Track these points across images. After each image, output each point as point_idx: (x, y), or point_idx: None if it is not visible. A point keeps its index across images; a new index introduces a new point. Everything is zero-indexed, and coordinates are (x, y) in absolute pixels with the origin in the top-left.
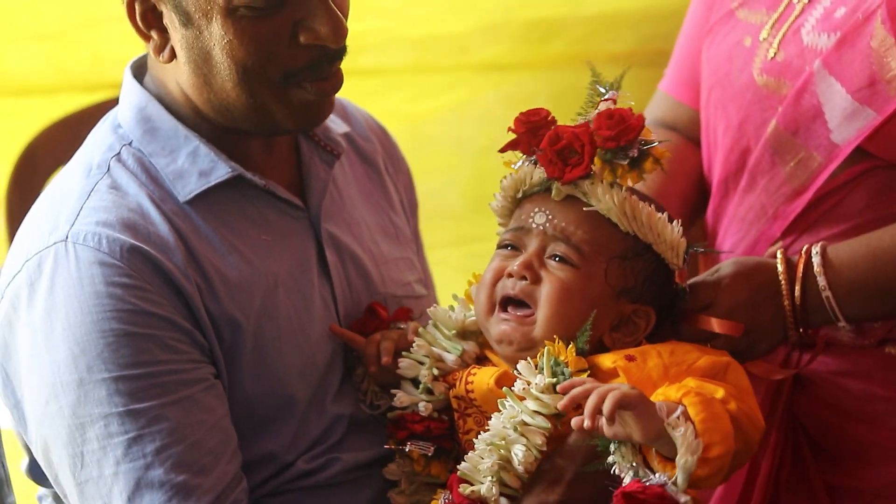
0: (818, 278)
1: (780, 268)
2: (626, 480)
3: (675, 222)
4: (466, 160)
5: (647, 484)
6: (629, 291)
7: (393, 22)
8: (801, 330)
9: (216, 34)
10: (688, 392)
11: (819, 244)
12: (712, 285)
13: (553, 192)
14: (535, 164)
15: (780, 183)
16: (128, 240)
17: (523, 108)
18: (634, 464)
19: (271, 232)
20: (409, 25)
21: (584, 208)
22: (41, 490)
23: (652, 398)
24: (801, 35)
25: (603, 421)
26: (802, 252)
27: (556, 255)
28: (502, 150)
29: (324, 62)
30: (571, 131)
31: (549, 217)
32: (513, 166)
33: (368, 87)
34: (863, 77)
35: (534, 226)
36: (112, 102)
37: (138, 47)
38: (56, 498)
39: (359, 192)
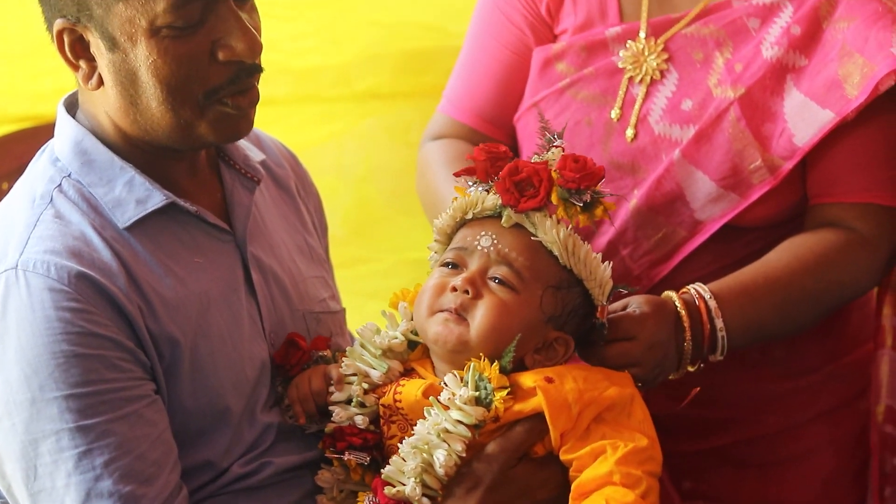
0: (716, 320)
1: (681, 312)
2: None
3: (606, 263)
4: (347, 186)
5: None
6: (556, 319)
7: (279, 54)
8: (699, 364)
9: (141, 55)
10: None
11: (707, 288)
12: (636, 320)
13: (503, 218)
14: (488, 191)
15: (643, 252)
16: (74, 266)
17: (402, 136)
18: None
19: (202, 254)
20: (293, 57)
21: (532, 237)
22: None
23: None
24: (649, 123)
25: None
26: (696, 295)
27: (497, 278)
28: (457, 175)
29: (242, 76)
30: (531, 166)
31: (495, 241)
32: (467, 190)
33: (256, 119)
34: (726, 167)
35: (479, 247)
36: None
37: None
38: None
39: (277, 216)
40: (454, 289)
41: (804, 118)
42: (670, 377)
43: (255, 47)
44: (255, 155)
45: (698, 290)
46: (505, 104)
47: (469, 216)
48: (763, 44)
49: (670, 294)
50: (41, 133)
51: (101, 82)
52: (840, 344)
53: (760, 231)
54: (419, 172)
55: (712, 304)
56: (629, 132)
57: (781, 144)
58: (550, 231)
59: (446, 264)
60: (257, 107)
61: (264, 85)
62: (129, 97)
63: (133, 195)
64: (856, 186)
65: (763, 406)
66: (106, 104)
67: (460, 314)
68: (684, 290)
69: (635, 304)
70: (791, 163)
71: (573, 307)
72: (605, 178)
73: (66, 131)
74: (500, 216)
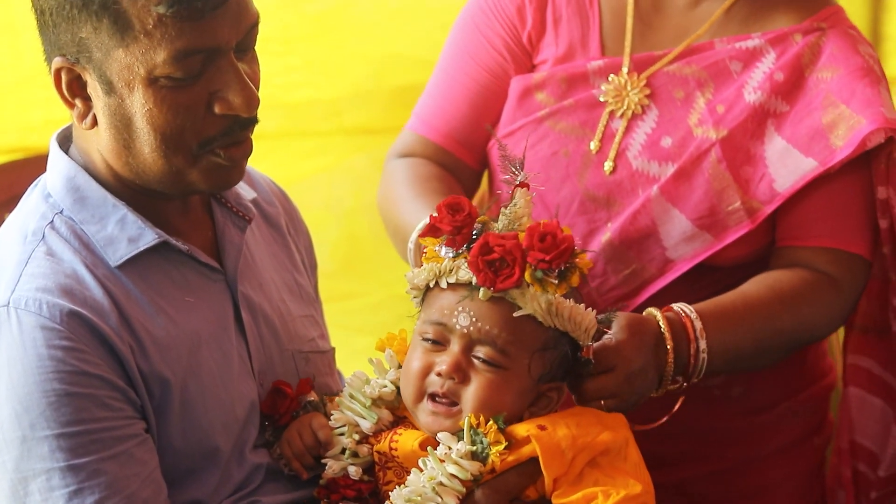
0: (700, 341)
1: (665, 333)
2: None
3: (589, 309)
4: (337, 220)
5: None
6: (546, 375)
7: (270, 88)
8: (681, 384)
9: (137, 102)
10: None
11: (693, 308)
12: (613, 350)
13: (480, 293)
14: (456, 256)
15: (611, 286)
16: (66, 304)
17: None
18: None
19: (193, 294)
20: (284, 91)
21: (514, 313)
22: None
23: None
24: (627, 157)
25: None
26: (682, 314)
27: (481, 357)
28: (422, 236)
29: (236, 129)
30: (502, 244)
31: (474, 319)
32: (434, 248)
33: None
34: (703, 207)
35: (458, 326)
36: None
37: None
38: None
39: (267, 254)
40: (439, 374)
41: (786, 164)
42: (652, 395)
43: (253, 102)
44: (247, 193)
45: (684, 309)
46: (478, 127)
47: (443, 284)
48: (745, 87)
49: (653, 312)
50: (31, 165)
51: (95, 122)
52: (796, 381)
53: (728, 270)
54: (383, 190)
55: (698, 324)
56: (608, 165)
57: (761, 188)
58: (531, 303)
59: (427, 339)
60: None
61: None
62: (123, 141)
63: (125, 233)
64: (827, 232)
65: (722, 441)
66: (99, 144)
67: (450, 399)
68: (668, 308)
69: (614, 328)
70: (770, 207)
71: (561, 357)
72: (579, 209)
73: (59, 167)
74: (476, 287)
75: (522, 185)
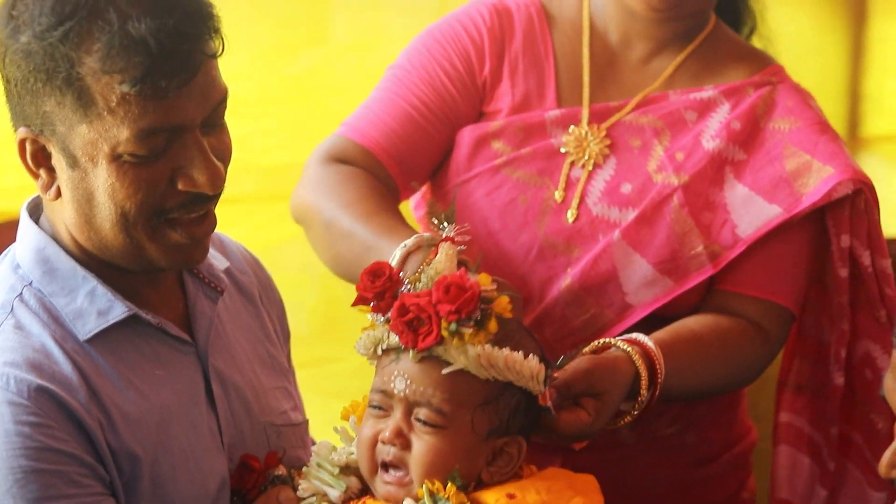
0: (660, 374)
1: (642, 371)
2: None
3: (531, 355)
4: (313, 284)
5: None
6: (497, 430)
7: (245, 152)
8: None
9: (100, 177)
10: None
11: (651, 339)
12: (583, 375)
13: (411, 355)
14: (386, 321)
15: (568, 332)
16: (34, 380)
17: None
18: None
19: (164, 367)
20: (260, 155)
21: (443, 371)
22: None
23: None
24: (587, 204)
25: None
26: (649, 347)
27: (421, 419)
28: (354, 305)
29: (197, 202)
30: (416, 303)
31: (408, 382)
32: (368, 316)
33: (221, 216)
34: (665, 252)
35: (396, 391)
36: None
37: None
38: None
39: (239, 325)
40: (384, 441)
41: (749, 210)
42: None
43: (217, 181)
44: (220, 263)
45: (647, 343)
46: (415, 148)
47: (380, 352)
48: (703, 135)
49: (626, 350)
50: (4, 230)
51: (59, 193)
52: (735, 433)
53: (680, 318)
54: (309, 193)
55: (661, 360)
56: (570, 213)
57: (724, 234)
58: (460, 357)
59: (374, 406)
60: (225, 204)
61: (231, 183)
62: (85, 215)
63: (95, 306)
64: (766, 284)
65: (674, 493)
66: (64, 215)
67: (398, 467)
68: (636, 341)
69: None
70: (734, 252)
71: (512, 408)
72: (538, 256)
73: (29, 237)
74: (406, 350)
75: (447, 239)
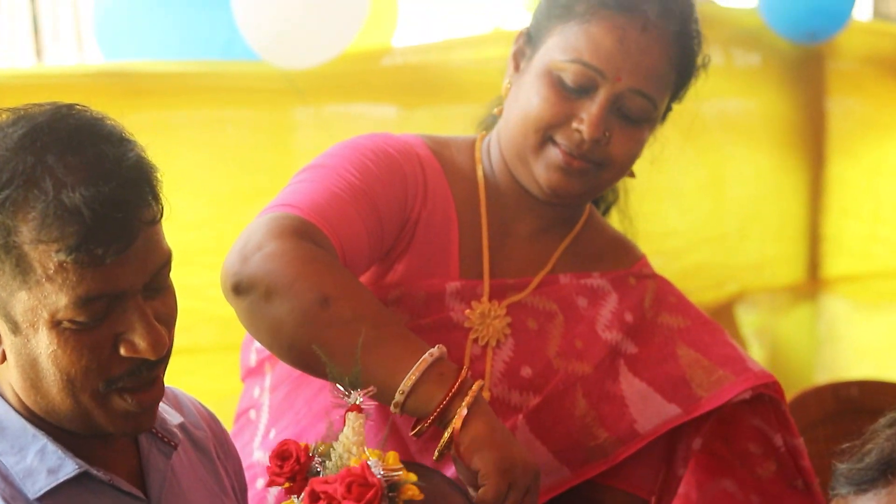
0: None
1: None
2: None
3: None
4: None
5: None
6: None
7: (202, 302)
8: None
9: (42, 343)
10: None
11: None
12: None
13: None
14: None
15: None
16: None
17: None
18: None
19: None
20: (217, 305)
21: None
22: None
23: None
24: (486, 385)
25: None
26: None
27: None
28: (267, 487)
29: (143, 369)
30: (325, 491)
31: None
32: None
33: (178, 366)
34: (565, 442)
35: None
36: None
37: None
38: None
39: (195, 479)
40: None
41: (647, 406)
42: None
43: (159, 347)
44: (173, 418)
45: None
46: (354, 237)
47: None
48: (597, 324)
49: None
50: None
51: (4, 357)
52: None
53: None
54: (288, 266)
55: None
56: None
57: (622, 428)
58: None
59: None
60: (181, 354)
61: (188, 333)
62: (31, 380)
63: (45, 464)
64: (638, 481)
65: None
66: (10, 378)
67: None
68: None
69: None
70: (631, 448)
71: None
72: None
73: None
74: None
75: (353, 408)
